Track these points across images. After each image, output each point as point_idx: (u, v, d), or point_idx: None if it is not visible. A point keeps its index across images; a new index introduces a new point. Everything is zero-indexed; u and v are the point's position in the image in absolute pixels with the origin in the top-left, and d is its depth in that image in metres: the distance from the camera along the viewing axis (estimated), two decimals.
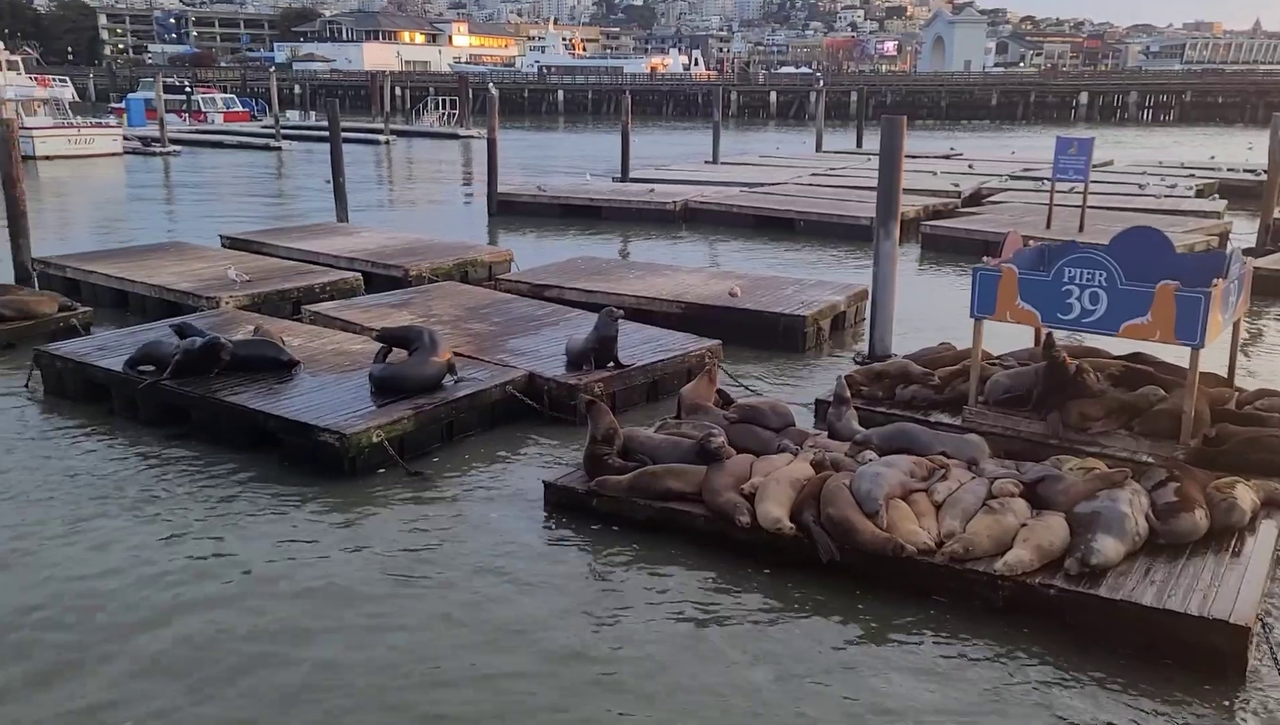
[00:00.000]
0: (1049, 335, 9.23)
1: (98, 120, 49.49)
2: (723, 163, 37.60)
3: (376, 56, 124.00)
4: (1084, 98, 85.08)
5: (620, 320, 10.76)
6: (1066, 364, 9.00)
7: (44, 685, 5.95)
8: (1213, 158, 37.92)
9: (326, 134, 25.59)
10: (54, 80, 48.75)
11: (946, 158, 38.09)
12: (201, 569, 7.30)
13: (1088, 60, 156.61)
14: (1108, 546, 6.56)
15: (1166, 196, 25.72)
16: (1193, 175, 31.05)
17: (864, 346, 12.66)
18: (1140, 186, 27.36)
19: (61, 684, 5.96)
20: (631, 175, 31.98)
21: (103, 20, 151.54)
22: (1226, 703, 5.82)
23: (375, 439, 8.96)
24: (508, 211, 26.23)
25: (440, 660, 6.22)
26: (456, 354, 10.55)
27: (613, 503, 7.92)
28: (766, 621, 6.65)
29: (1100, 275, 8.43)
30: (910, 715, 5.72)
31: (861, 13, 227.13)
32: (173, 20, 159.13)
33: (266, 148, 49.62)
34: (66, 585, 7.07)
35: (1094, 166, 21.79)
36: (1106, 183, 27.83)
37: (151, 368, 10.36)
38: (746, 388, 11.27)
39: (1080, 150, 19.96)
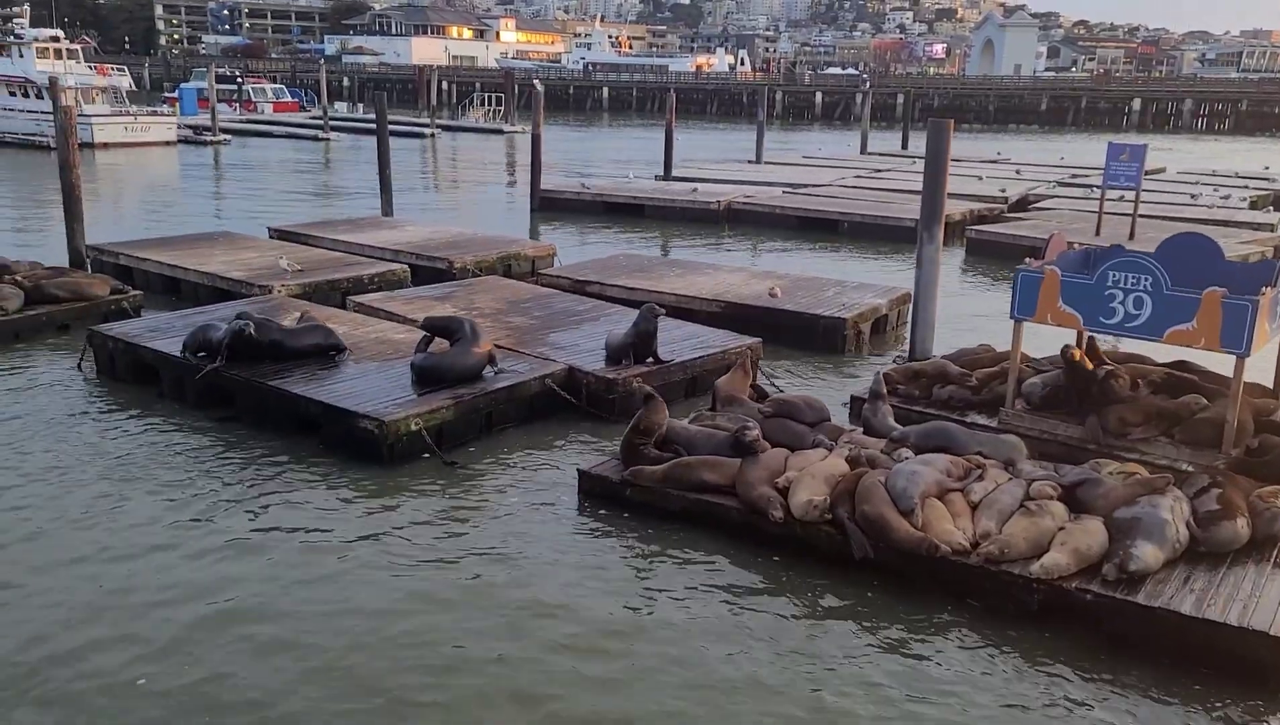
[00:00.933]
0: (1086, 338, 9.13)
1: (153, 109, 50.43)
2: (766, 162, 37.46)
3: (425, 51, 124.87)
4: (1136, 104, 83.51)
5: (661, 317, 10.79)
6: (1084, 365, 8.89)
7: (69, 657, 6.14)
8: (1267, 168, 37.14)
9: (373, 126, 25.85)
10: (112, 69, 49.77)
11: (993, 162, 37.63)
12: (230, 551, 7.45)
13: (1141, 66, 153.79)
14: (1147, 553, 6.49)
15: (1219, 207, 25.25)
16: (1247, 186, 30.46)
17: (905, 350, 12.59)
18: (1193, 196, 26.86)
19: (84, 657, 6.14)
20: (674, 174, 31.96)
21: (159, 10, 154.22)
22: (1266, 716, 5.74)
23: (414, 427, 9.08)
24: (550, 208, 26.32)
25: (462, 642, 6.30)
26: (497, 346, 10.65)
27: (646, 493, 7.97)
28: (795, 617, 6.66)
29: (1145, 280, 8.33)
30: (938, 717, 5.70)
31: (910, 15, 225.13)
32: (226, 11, 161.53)
33: (315, 139, 50.28)
34: (100, 567, 7.23)
35: (1146, 174, 21.44)
36: (1158, 191, 27.38)
37: (203, 354, 10.52)
38: (779, 389, 11.26)
39: (1132, 157, 19.65)
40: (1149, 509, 6.84)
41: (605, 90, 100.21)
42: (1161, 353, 9.63)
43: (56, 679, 5.91)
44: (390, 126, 25.08)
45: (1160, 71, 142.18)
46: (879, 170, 33.95)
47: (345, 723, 5.58)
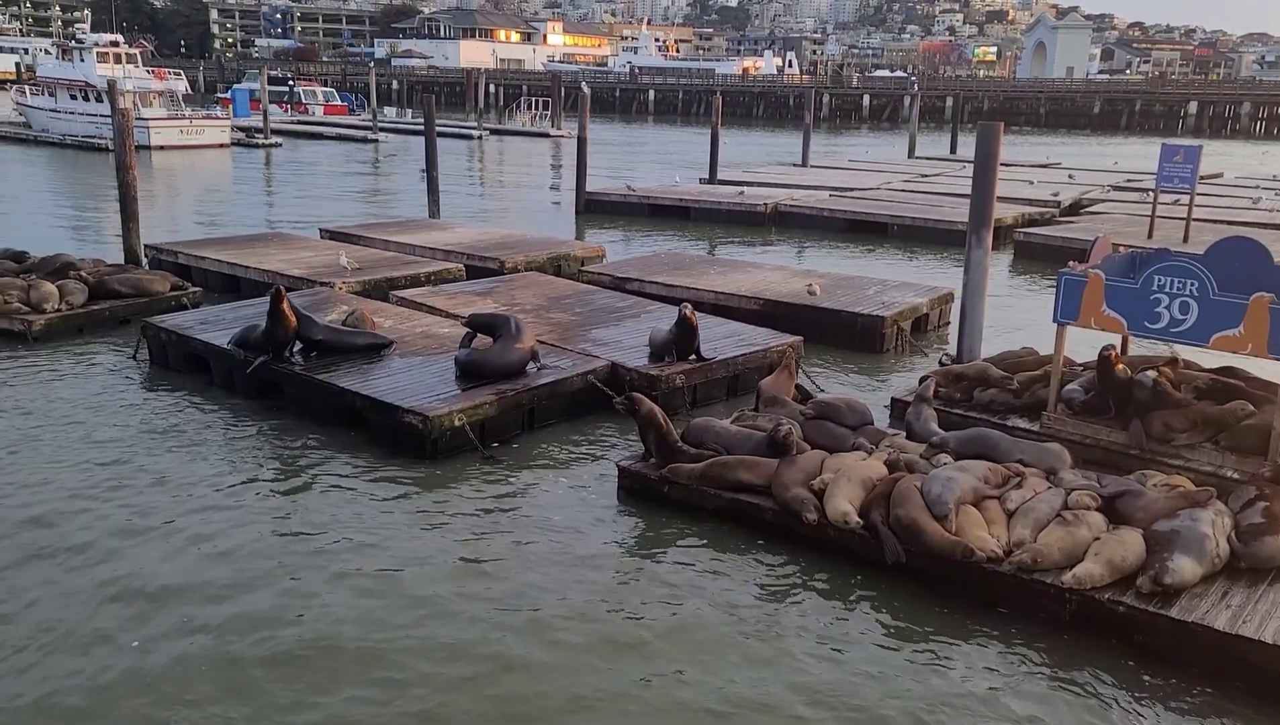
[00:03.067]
0: (1127, 341, 9.02)
1: (207, 111, 51.46)
2: (812, 166, 37.21)
3: (472, 54, 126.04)
4: (1193, 107, 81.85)
5: (704, 315, 10.81)
6: (1120, 371, 8.78)
7: (93, 633, 6.34)
8: None
9: (421, 129, 26.13)
10: (169, 74, 50.83)
11: (1044, 167, 37.11)
12: (269, 534, 7.64)
13: (1198, 69, 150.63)
14: (1184, 567, 6.38)
15: (1278, 211, 24.70)
16: None
17: (947, 349, 12.51)
18: (1253, 201, 26.25)
19: (107, 630, 6.35)
20: (719, 177, 31.92)
21: (214, 15, 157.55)
22: None
23: (457, 422, 9.22)
24: (595, 210, 26.38)
25: (493, 635, 6.38)
26: (540, 342, 10.77)
27: (684, 491, 8.04)
28: (824, 619, 6.67)
29: (1192, 284, 8.23)
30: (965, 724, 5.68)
31: (960, 17, 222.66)
32: (279, 15, 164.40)
33: (364, 141, 51.00)
34: (124, 542, 7.45)
35: (1202, 178, 21.04)
36: (1214, 195, 26.83)
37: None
38: (823, 390, 11.27)
39: (1187, 158, 19.35)
40: (1189, 522, 6.74)
41: (651, 93, 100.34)
42: (1208, 359, 9.50)
43: (57, 638, 6.16)
44: (438, 129, 25.34)
45: (1217, 74, 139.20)
46: (927, 175, 33.55)
47: (370, 709, 5.67)
